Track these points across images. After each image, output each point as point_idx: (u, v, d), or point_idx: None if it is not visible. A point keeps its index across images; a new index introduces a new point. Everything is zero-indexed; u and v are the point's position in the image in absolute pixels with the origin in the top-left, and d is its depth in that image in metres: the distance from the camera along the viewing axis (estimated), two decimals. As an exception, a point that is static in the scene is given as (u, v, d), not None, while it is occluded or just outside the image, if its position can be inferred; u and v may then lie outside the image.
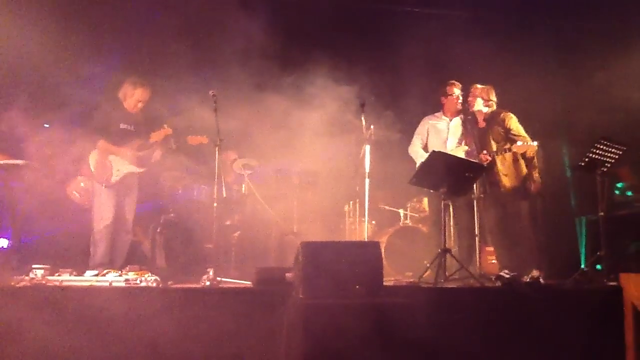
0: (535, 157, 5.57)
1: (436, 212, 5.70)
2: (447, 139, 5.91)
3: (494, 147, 5.55)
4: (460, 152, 5.69)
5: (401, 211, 7.13)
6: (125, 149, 5.54)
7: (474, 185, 5.51)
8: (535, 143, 5.32)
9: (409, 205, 7.17)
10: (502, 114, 5.64)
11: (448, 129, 5.93)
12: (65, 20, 6.17)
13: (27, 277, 4.21)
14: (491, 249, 5.91)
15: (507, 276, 4.79)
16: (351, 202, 7.08)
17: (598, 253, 5.19)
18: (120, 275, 4.37)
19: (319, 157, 6.48)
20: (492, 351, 4.16)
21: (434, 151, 5.13)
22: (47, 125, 6.04)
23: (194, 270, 5.12)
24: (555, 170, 7.18)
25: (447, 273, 4.92)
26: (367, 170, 5.48)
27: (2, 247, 5.51)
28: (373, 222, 7.03)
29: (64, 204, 6.01)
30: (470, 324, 4.17)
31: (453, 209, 5.79)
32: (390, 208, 7.23)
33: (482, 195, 5.59)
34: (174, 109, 5.97)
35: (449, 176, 5.00)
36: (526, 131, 5.60)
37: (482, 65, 6.45)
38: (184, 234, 5.78)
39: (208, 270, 4.55)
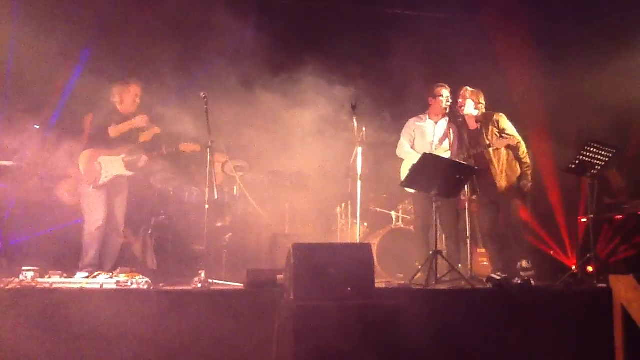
0: (528, 157, 5.63)
1: (420, 215, 5.72)
2: (432, 141, 5.83)
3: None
4: (442, 154, 5.66)
5: (393, 213, 7.12)
6: (117, 152, 5.50)
7: (465, 188, 5.53)
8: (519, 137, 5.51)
9: (400, 207, 7.17)
10: (494, 115, 5.70)
11: (434, 131, 5.87)
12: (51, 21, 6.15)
13: (16, 280, 4.17)
14: (483, 250, 5.93)
15: (498, 278, 4.82)
16: (343, 204, 7.05)
17: (588, 255, 5.23)
18: (111, 277, 4.34)
19: (310, 159, 6.48)
20: (483, 352, 4.17)
21: (425, 154, 5.13)
22: (38, 127, 6.01)
23: (185, 272, 5.10)
24: (546, 171, 7.24)
25: (438, 275, 4.93)
26: (359, 172, 5.49)
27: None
28: (365, 224, 7.02)
29: (54, 205, 5.97)
30: (461, 326, 4.17)
31: (436, 210, 5.79)
32: (382, 210, 7.22)
33: (473, 197, 5.61)
34: (165, 113, 5.93)
35: (440, 179, 5.01)
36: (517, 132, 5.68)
37: (473, 67, 6.48)
38: (175, 236, 5.74)
39: (199, 272, 4.54)
